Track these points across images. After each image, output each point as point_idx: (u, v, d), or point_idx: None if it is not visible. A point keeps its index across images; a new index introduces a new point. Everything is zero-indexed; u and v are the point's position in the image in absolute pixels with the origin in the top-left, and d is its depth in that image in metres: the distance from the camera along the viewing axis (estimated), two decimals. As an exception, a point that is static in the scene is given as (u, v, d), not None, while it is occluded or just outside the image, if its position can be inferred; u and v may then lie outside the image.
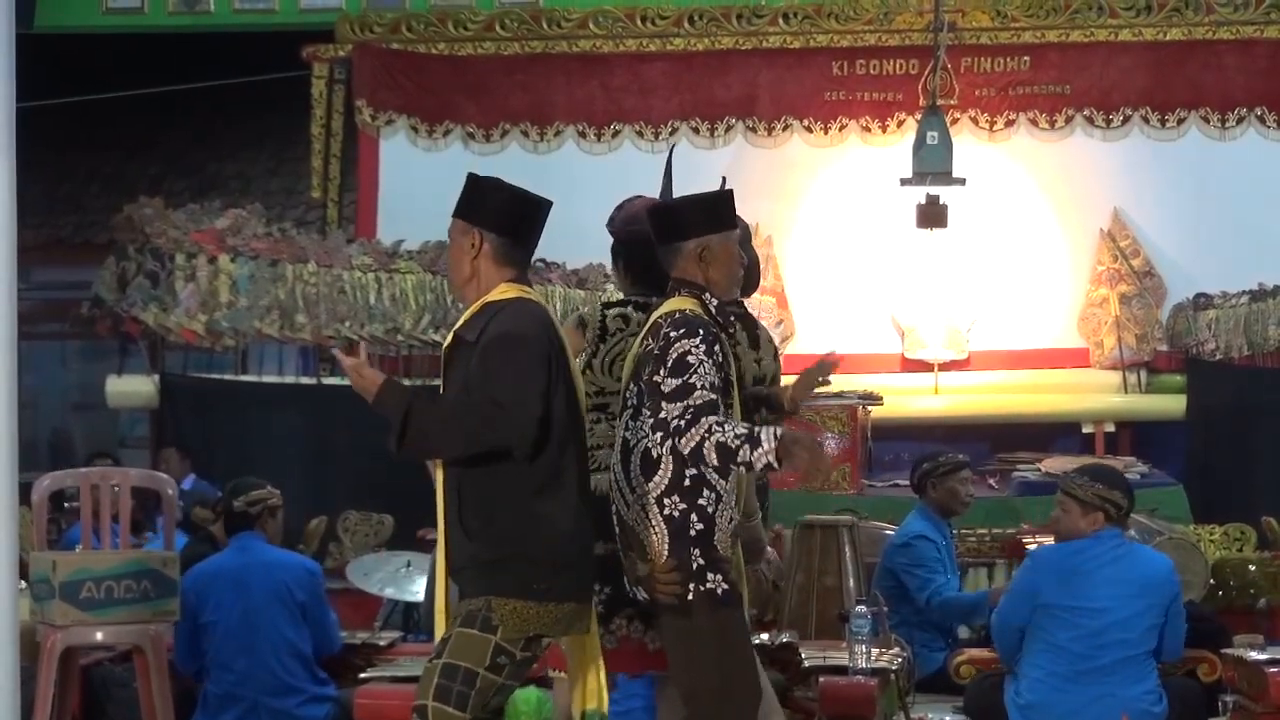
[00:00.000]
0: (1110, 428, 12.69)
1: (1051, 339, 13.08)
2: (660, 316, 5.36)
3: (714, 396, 5.18)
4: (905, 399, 12.35)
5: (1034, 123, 13.23)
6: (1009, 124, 13.24)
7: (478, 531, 5.03)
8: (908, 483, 9.50)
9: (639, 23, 13.40)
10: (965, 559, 10.03)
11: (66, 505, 9.86)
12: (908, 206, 12.61)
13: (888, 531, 9.38)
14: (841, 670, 6.83)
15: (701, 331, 5.27)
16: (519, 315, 5.08)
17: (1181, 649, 7.25)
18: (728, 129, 13.37)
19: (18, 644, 4.97)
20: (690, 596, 5.26)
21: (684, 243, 5.45)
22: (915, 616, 8.67)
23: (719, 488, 5.30)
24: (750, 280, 6.46)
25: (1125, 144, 13.21)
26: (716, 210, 5.54)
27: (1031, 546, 9.17)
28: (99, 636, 7.00)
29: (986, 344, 12.99)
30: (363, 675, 7.27)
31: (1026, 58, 13.27)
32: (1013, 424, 12.62)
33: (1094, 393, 12.77)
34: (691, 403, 5.17)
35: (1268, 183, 12.98)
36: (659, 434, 5.26)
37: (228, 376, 12.69)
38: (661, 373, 5.24)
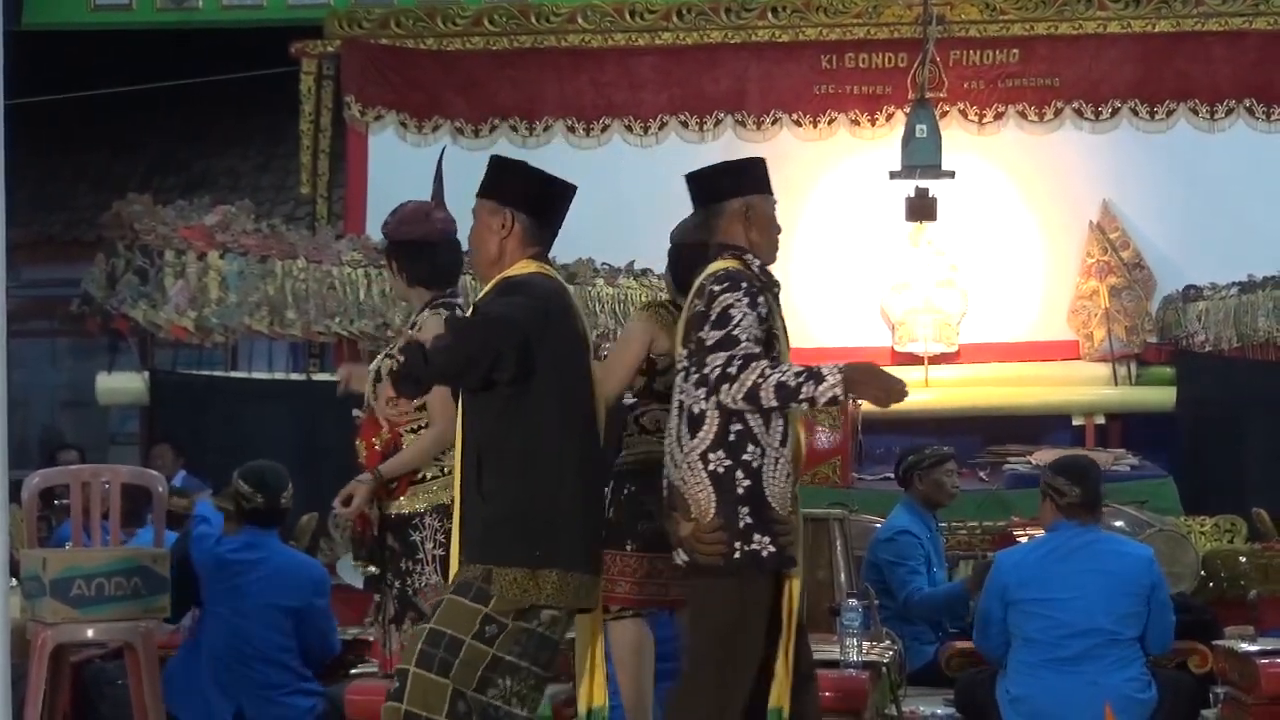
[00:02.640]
0: (1100, 420, 12.67)
1: (1041, 331, 13.07)
2: (705, 278, 5.42)
3: (757, 349, 5.21)
4: (896, 392, 12.32)
5: (1023, 115, 13.22)
6: (998, 117, 13.23)
7: (493, 493, 5.00)
8: (896, 476, 9.50)
9: (628, 17, 13.40)
10: (955, 552, 10.04)
11: (57, 502, 9.84)
12: (897, 199, 12.61)
13: (878, 525, 9.38)
14: (833, 664, 6.83)
15: (745, 285, 5.33)
16: (531, 281, 5.12)
17: (1169, 642, 7.26)
18: (717, 123, 13.36)
19: (9, 642, 4.96)
20: (736, 555, 5.22)
21: (728, 202, 5.53)
22: (903, 612, 8.67)
23: (764, 442, 5.27)
24: None
25: (1114, 136, 13.21)
26: (756, 173, 5.66)
27: (1022, 539, 9.18)
28: (90, 634, 7.00)
29: (976, 337, 13.00)
30: (354, 671, 7.27)
31: (1015, 50, 13.26)
32: (1003, 417, 12.60)
33: (1084, 385, 12.76)
34: (737, 352, 5.20)
35: (1257, 174, 12.98)
36: (702, 390, 5.29)
37: (218, 373, 12.67)
38: (706, 328, 5.28)
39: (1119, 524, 9.14)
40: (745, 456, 5.25)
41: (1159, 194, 13.07)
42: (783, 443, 5.32)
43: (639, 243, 11.36)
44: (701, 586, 5.32)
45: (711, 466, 5.25)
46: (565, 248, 12.20)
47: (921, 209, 12.56)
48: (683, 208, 7.02)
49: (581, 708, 5.22)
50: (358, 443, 6.29)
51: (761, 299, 5.34)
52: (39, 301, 15.58)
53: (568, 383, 5.06)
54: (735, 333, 5.23)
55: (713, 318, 5.28)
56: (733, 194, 5.54)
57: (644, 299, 11.42)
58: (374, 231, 12.71)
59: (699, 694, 5.29)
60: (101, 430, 16.33)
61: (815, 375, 5.15)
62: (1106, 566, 7.10)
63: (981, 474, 11.56)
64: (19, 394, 14.38)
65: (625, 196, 12.50)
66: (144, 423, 12.89)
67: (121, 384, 12.29)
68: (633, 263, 12.45)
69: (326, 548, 10.64)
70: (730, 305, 5.27)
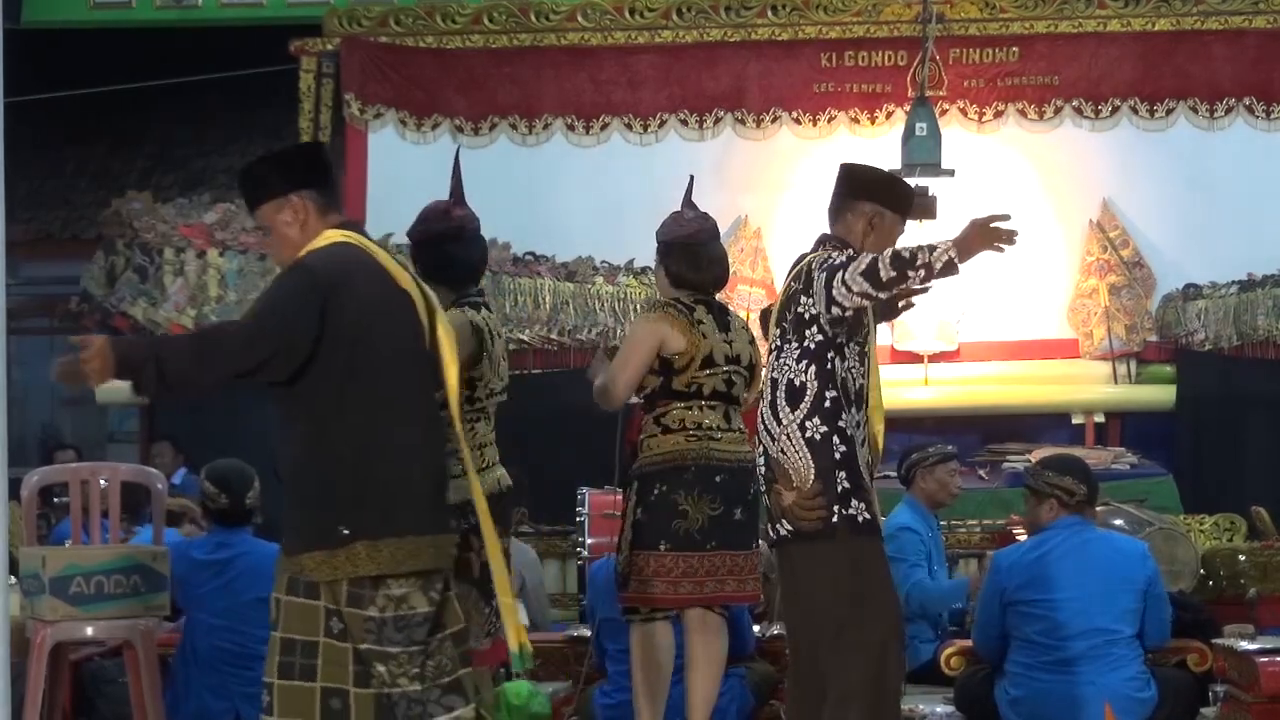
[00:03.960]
0: (1100, 418, 12.66)
1: (1041, 330, 13.05)
2: (806, 263, 5.65)
3: None
4: (895, 390, 12.31)
5: (1023, 114, 13.19)
6: (998, 115, 13.20)
7: (289, 479, 4.93)
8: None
9: (627, 15, 13.38)
10: (955, 550, 10.05)
11: (56, 500, 9.84)
12: (897, 198, 12.59)
13: (878, 523, 9.36)
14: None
15: (844, 263, 5.52)
16: (311, 262, 4.89)
17: (1167, 634, 7.26)
18: (716, 121, 13.33)
19: (9, 640, 4.96)
20: (834, 519, 5.44)
21: (863, 202, 5.74)
22: (904, 608, 8.66)
23: (856, 417, 5.49)
24: (720, 276, 6.70)
25: (1114, 134, 13.19)
26: (902, 192, 5.91)
27: (1022, 538, 9.18)
28: (89, 632, 6.99)
29: (976, 335, 12.97)
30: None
31: (1015, 49, 13.24)
32: (1002, 415, 12.59)
33: (1084, 384, 12.74)
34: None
35: (1256, 173, 12.96)
36: (804, 362, 5.51)
37: (217, 371, 12.64)
38: (806, 300, 5.51)
39: (1118, 522, 9.14)
40: (840, 423, 5.48)
41: (1159, 192, 13.05)
42: (862, 422, 5.57)
43: (638, 241, 11.30)
44: (804, 552, 5.51)
45: (809, 434, 5.46)
46: (565, 246, 12.45)
47: (921, 207, 12.51)
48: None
49: (512, 645, 5.11)
50: None
51: None
52: (38, 299, 15.57)
53: (370, 349, 4.83)
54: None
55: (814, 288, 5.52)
56: (870, 198, 5.74)
57: (643, 297, 11.43)
58: (373, 229, 12.70)
59: (850, 665, 5.46)
60: (100, 428, 16.33)
61: (928, 245, 5.34)
62: (1102, 564, 7.11)
63: (981, 473, 11.56)
64: (18, 391, 14.33)
65: (624, 194, 12.49)
66: (143, 421, 12.88)
67: (120, 382, 12.26)
68: (632, 261, 12.44)
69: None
70: (834, 271, 5.49)
